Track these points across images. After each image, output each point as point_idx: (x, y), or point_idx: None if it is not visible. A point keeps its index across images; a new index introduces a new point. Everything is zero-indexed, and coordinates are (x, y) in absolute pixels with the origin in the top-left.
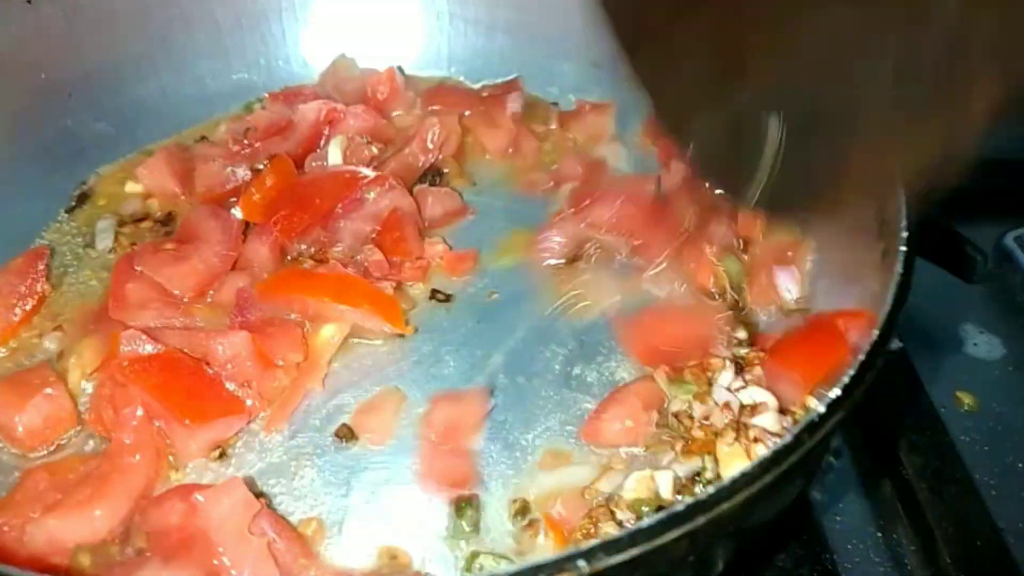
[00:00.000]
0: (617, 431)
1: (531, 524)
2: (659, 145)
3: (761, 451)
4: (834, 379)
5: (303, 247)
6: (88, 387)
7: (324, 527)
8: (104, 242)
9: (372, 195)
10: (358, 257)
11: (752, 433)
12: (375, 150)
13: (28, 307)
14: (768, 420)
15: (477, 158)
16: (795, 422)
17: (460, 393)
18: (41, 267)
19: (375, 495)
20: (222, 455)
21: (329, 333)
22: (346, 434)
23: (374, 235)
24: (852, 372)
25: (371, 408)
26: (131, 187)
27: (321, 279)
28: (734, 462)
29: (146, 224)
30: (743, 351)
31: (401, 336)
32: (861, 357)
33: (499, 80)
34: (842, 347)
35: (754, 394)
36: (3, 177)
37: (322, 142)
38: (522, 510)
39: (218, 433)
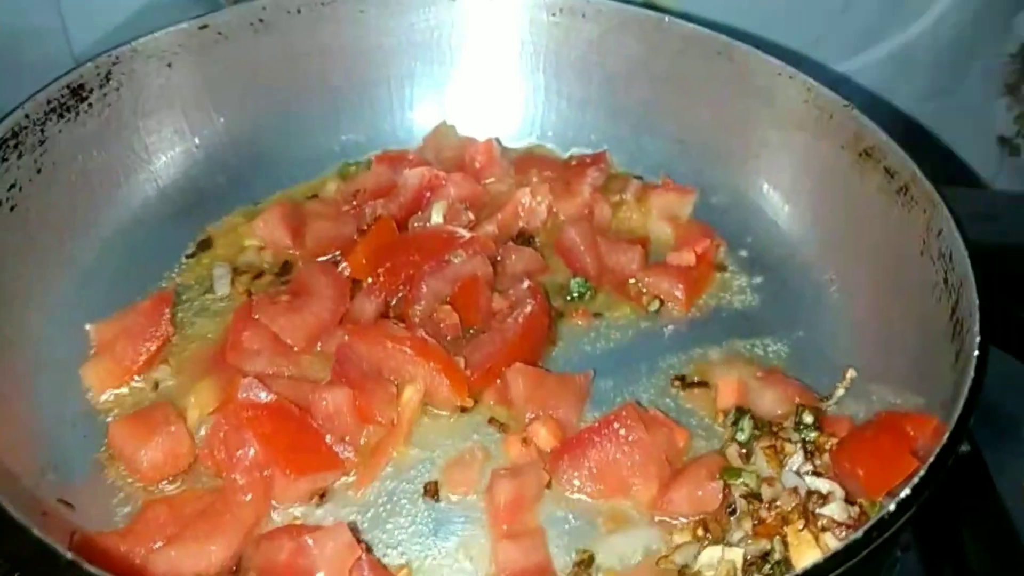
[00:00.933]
0: (686, 500)
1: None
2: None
3: (830, 539)
4: (899, 481)
5: (392, 302)
6: (203, 426)
7: (411, 570)
8: (223, 288)
9: (458, 260)
10: (434, 315)
11: (820, 522)
12: (472, 216)
13: (153, 347)
14: (836, 510)
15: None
16: (861, 512)
17: (516, 469)
18: (166, 310)
19: (461, 545)
20: (321, 499)
21: (409, 394)
22: (432, 489)
23: (448, 297)
24: (922, 474)
25: (458, 463)
26: (248, 239)
27: (406, 334)
28: (803, 549)
29: (264, 277)
30: (812, 434)
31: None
32: (931, 459)
33: (588, 151)
34: (907, 453)
35: (822, 484)
36: (132, 222)
37: (424, 205)
38: (588, 561)
39: (315, 484)
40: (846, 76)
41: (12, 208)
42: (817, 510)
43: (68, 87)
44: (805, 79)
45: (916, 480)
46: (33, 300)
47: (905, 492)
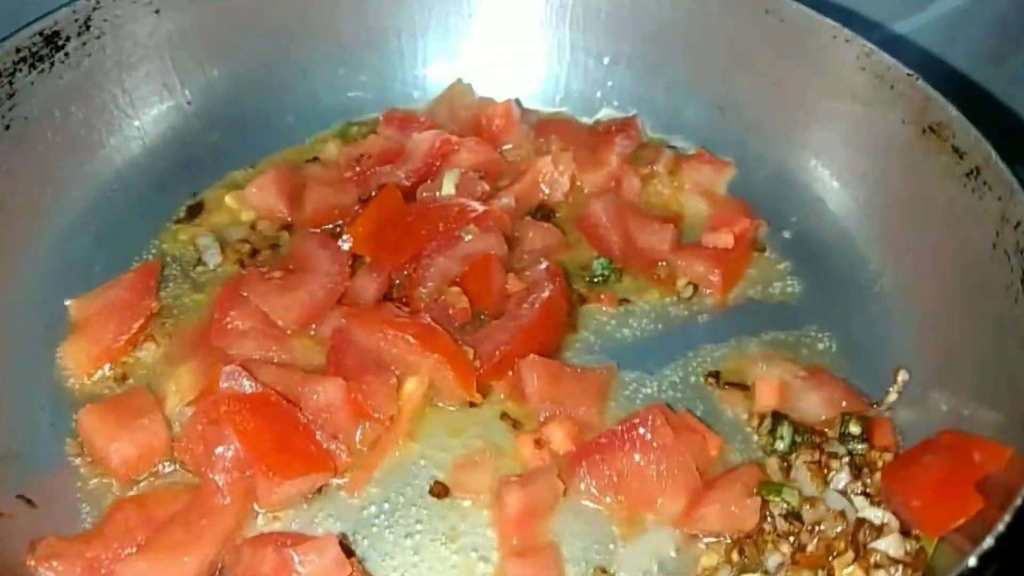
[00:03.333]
0: (719, 517)
1: None
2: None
3: None
4: (961, 520)
5: (396, 282)
6: (184, 411)
7: None
8: (213, 259)
9: (468, 237)
10: (441, 298)
11: (873, 558)
12: (487, 187)
13: (137, 325)
14: (891, 545)
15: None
16: (919, 545)
17: (528, 476)
18: (152, 283)
19: (467, 560)
20: (312, 503)
21: (411, 387)
22: (440, 491)
23: (458, 278)
24: (1007, 521)
25: (467, 464)
26: (238, 204)
27: (410, 320)
28: None
29: (257, 249)
30: (860, 447)
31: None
32: (1017, 503)
33: (616, 116)
34: (972, 487)
35: (875, 513)
36: (115, 185)
37: (434, 173)
38: None
39: (303, 488)
40: (902, 36)
41: None
42: (870, 543)
43: (41, 35)
44: (864, 43)
45: (1001, 528)
46: (2, 271)
47: (988, 543)
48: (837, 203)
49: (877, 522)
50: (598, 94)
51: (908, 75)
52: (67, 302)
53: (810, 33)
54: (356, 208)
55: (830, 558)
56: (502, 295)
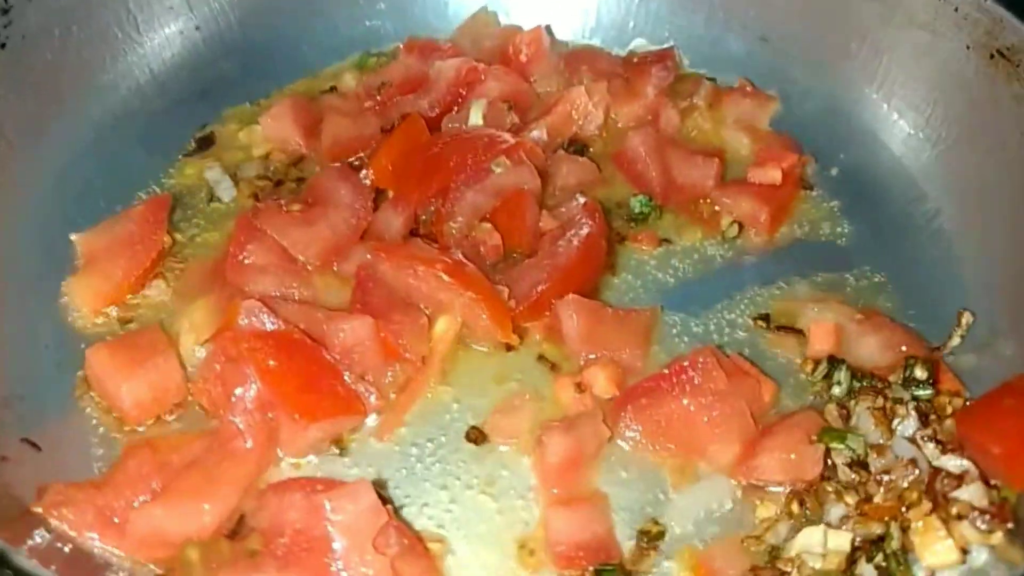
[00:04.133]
0: (777, 465)
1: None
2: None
3: (967, 529)
4: None
5: (422, 217)
6: (200, 351)
7: (447, 543)
8: (227, 193)
9: (499, 169)
10: (472, 235)
11: (954, 508)
12: (516, 118)
13: (148, 261)
14: (974, 494)
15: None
16: (1000, 495)
17: (572, 422)
18: (162, 216)
19: (507, 508)
20: (339, 448)
21: (443, 327)
22: (477, 437)
23: (489, 214)
24: None
25: (505, 408)
26: (250, 139)
27: (441, 256)
28: (931, 538)
29: (276, 183)
30: (926, 392)
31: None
32: None
33: (652, 47)
34: None
35: (952, 462)
36: (120, 113)
37: (460, 103)
38: (657, 535)
39: (330, 430)
40: None
41: None
42: (951, 494)
43: None
44: None
45: None
46: (2, 205)
47: None
48: (891, 137)
49: (956, 471)
50: (631, 24)
51: None
52: (73, 236)
53: None
54: (377, 139)
55: (902, 509)
56: (535, 232)
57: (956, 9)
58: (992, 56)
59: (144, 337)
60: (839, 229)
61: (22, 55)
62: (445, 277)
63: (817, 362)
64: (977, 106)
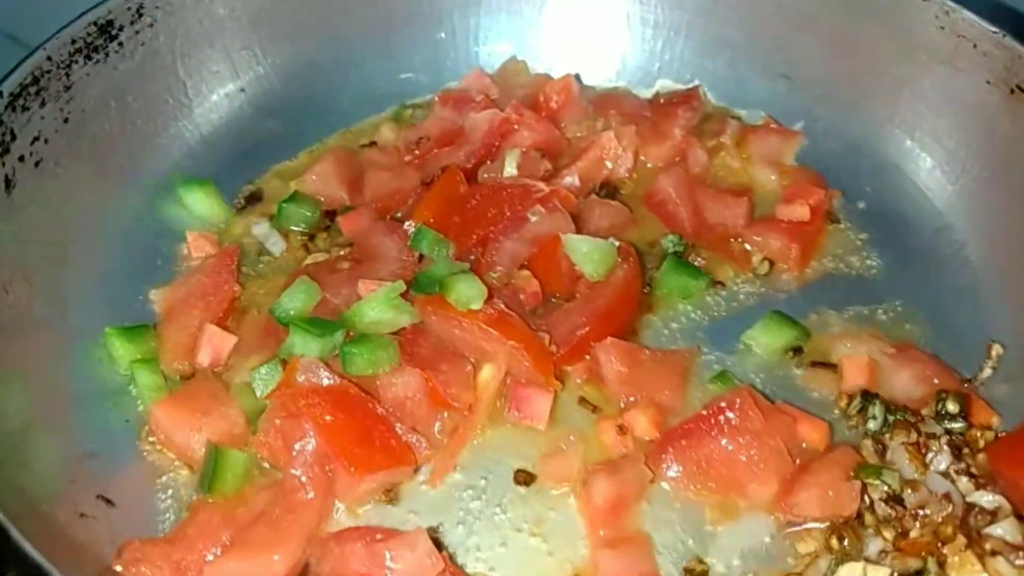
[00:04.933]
0: (816, 502)
1: None
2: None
3: (1001, 566)
4: None
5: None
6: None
7: None
8: (277, 247)
9: (535, 218)
10: (512, 282)
11: (988, 544)
12: (549, 165)
13: (221, 310)
14: (1008, 530)
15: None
16: None
17: (615, 465)
18: (232, 266)
19: (557, 550)
20: (392, 498)
21: (488, 375)
22: (524, 479)
23: (526, 261)
24: None
25: (555, 454)
26: (299, 190)
27: (484, 307)
28: (969, 573)
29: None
30: (958, 425)
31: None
32: None
33: (678, 87)
34: None
35: (986, 498)
36: (174, 174)
37: (494, 153)
38: (701, 573)
39: (383, 481)
40: None
41: (37, 164)
42: (985, 530)
43: (95, 24)
44: (943, 1)
45: None
46: (67, 264)
47: None
48: (916, 170)
49: (989, 506)
50: (656, 66)
51: (993, 33)
52: (151, 293)
53: None
54: (418, 191)
55: (938, 544)
56: (572, 276)
57: (975, 46)
58: (1012, 91)
59: (203, 388)
60: (868, 262)
61: (83, 128)
62: (488, 328)
63: (851, 397)
64: (999, 139)
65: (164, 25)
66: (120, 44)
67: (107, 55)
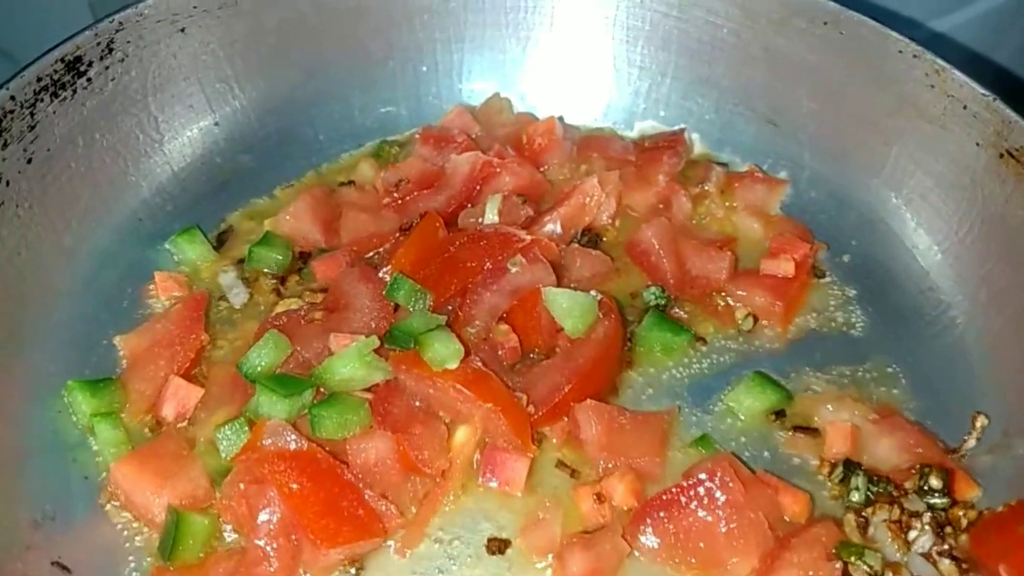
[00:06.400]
0: None
1: None
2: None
3: None
4: None
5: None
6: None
7: None
8: (239, 299)
9: (515, 269)
10: (490, 336)
11: None
12: (530, 211)
13: (188, 360)
14: None
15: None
16: None
17: (592, 538)
18: (199, 314)
19: None
20: (359, 567)
21: (462, 437)
22: (497, 547)
23: (506, 314)
24: None
25: (534, 524)
26: (271, 231)
27: (460, 366)
28: None
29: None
30: (940, 502)
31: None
32: None
33: (663, 128)
34: None
35: None
36: (144, 213)
37: (475, 197)
38: None
39: (350, 553)
40: (941, 34)
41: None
42: None
43: (63, 61)
44: (933, 59)
45: None
46: (27, 307)
47: None
48: (901, 227)
49: None
50: (642, 107)
51: (983, 95)
52: (116, 339)
53: (873, 47)
54: (396, 236)
55: None
56: (552, 330)
57: (965, 107)
58: (1001, 155)
59: (165, 447)
60: (853, 319)
61: (48, 168)
62: (464, 389)
63: (834, 464)
64: (987, 203)
65: (135, 59)
66: (89, 80)
67: (75, 92)
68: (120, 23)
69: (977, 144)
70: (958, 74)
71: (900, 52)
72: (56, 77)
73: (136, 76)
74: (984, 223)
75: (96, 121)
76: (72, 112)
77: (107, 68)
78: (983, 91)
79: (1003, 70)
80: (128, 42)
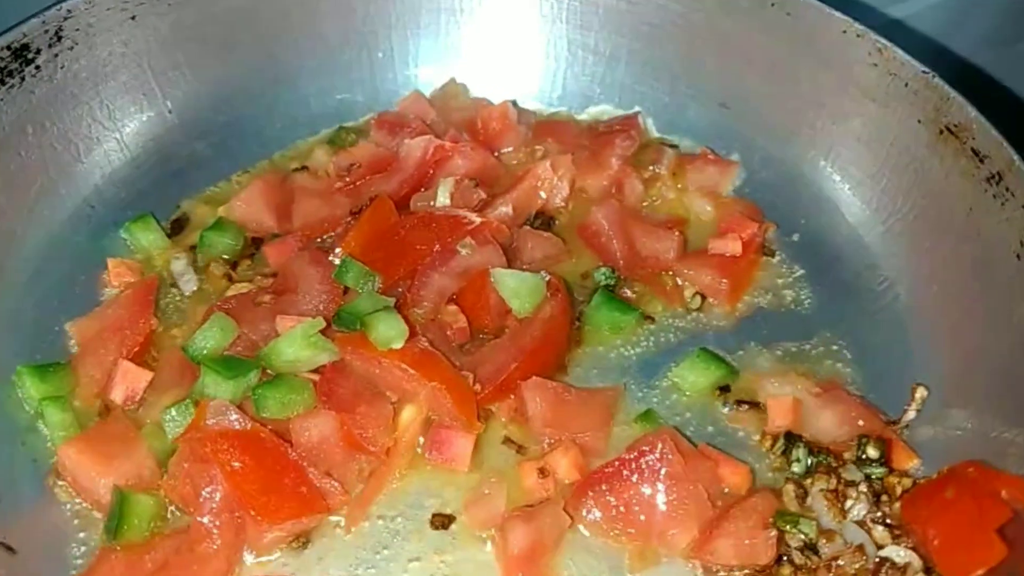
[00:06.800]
0: (732, 551)
1: None
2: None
3: None
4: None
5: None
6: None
7: None
8: (189, 286)
9: (465, 251)
10: (438, 317)
11: None
12: (483, 194)
13: (137, 345)
14: None
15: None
16: None
17: (533, 511)
18: (150, 299)
19: None
20: (304, 543)
21: (408, 416)
22: (441, 523)
23: (455, 295)
24: None
25: (478, 499)
26: (224, 217)
27: (406, 345)
28: None
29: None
30: (878, 471)
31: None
32: None
33: (617, 112)
34: (994, 532)
35: (897, 553)
36: (96, 200)
37: (428, 181)
38: None
39: (295, 528)
40: (899, 21)
41: None
42: None
43: (9, 49)
44: (876, 39)
45: None
46: None
47: None
48: (848, 205)
49: (899, 561)
50: (597, 91)
51: (923, 73)
52: (67, 325)
53: (819, 28)
54: (348, 220)
55: None
56: (501, 312)
57: (906, 85)
58: (941, 132)
59: (112, 429)
60: (801, 296)
61: None
62: (408, 368)
63: (775, 438)
64: (927, 180)
65: (85, 47)
66: (37, 68)
67: (23, 79)
68: (68, 11)
69: (919, 121)
70: (899, 52)
71: (844, 32)
72: (3, 65)
73: (86, 64)
74: (924, 198)
75: (46, 109)
76: (21, 100)
77: (56, 56)
78: (923, 68)
79: (960, 59)
80: (77, 30)
